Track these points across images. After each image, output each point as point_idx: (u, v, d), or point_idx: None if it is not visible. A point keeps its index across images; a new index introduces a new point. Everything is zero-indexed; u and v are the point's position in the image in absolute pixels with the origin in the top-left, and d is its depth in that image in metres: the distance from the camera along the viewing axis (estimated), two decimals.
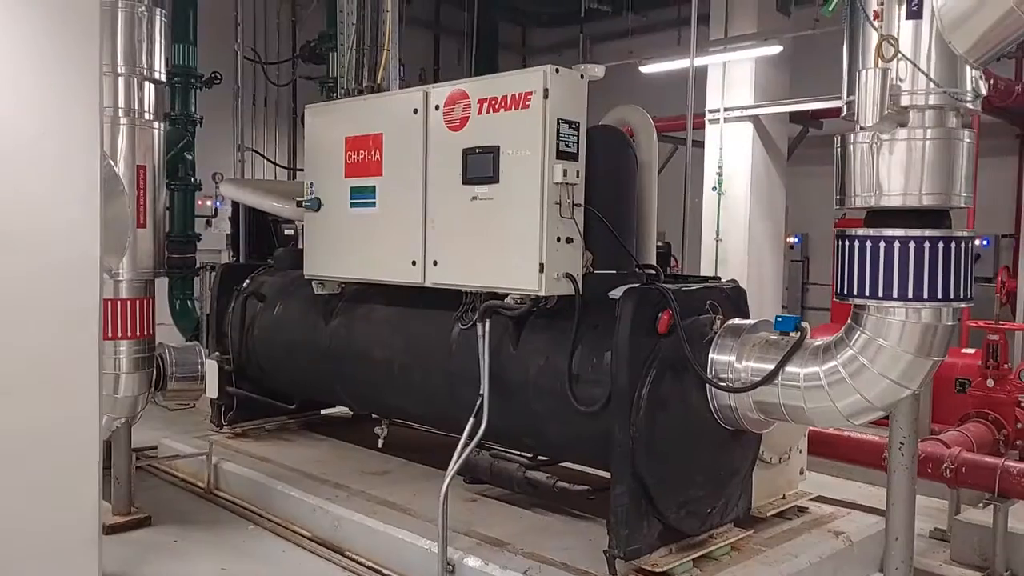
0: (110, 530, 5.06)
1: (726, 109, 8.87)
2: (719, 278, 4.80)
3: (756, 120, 9.10)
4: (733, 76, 9.11)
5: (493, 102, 4.33)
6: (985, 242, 10.89)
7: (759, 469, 4.66)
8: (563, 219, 4.19)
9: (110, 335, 4.89)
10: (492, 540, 4.48)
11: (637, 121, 5.03)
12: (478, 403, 4.35)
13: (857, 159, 3.48)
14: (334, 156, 5.16)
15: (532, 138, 4.14)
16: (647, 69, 9.58)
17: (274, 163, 11.09)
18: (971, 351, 6.72)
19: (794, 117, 9.94)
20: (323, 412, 7.04)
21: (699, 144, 9.37)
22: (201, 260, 9.24)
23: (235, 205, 8.04)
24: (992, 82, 8.18)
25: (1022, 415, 5.94)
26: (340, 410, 7.06)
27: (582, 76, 4.34)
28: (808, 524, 4.81)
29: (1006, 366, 6.01)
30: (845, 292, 3.58)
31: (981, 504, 5.24)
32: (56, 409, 4.02)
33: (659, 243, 11.48)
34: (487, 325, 4.38)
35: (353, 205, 5.09)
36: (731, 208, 9.05)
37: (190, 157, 8.77)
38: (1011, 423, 5.77)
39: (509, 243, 4.27)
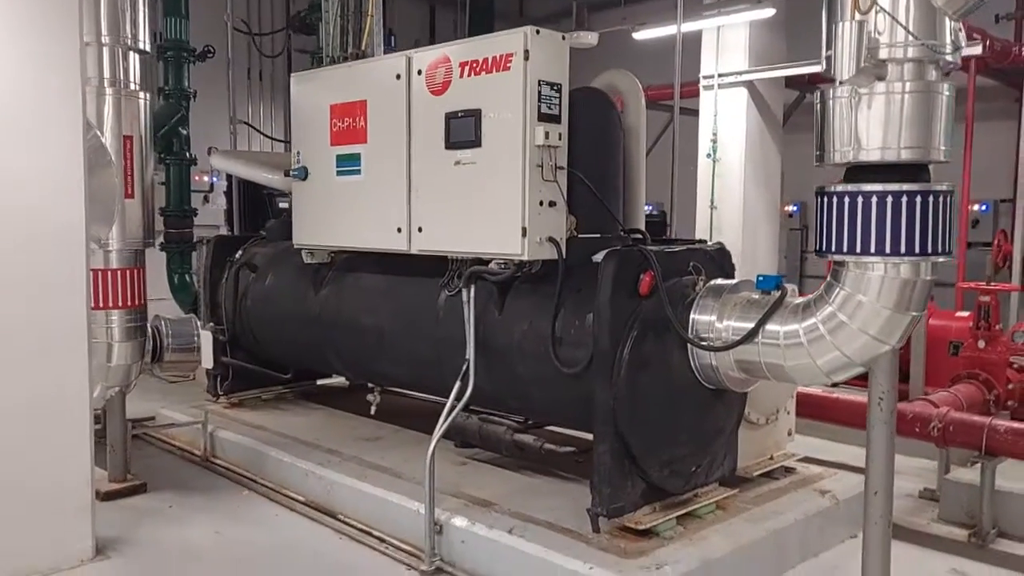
0: (106, 496, 5.15)
1: (720, 75, 8.80)
2: (705, 241, 4.80)
3: (751, 86, 9.02)
4: (727, 41, 9.02)
5: (475, 65, 4.32)
6: (984, 207, 10.83)
7: (746, 430, 4.70)
8: (545, 182, 4.19)
9: (101, 305, 4.94)
10: (479, 501, 4.53)
11: (626, 86, 5.00)
12: (463, 368, 4.38)
13: (836, 114, 3.45)
14: (320, 124, 5.16)
15: (513, 100, 4.14)
16: (640, 36, 9.49)
17: (269, 136, 11.08)
18: (965, 314, 6.71)
19: (790, 82, 9.85)
20: (320, 382, 7.10)
21: (694, 112, 9.31)
22: (199, 235, 9.26)
23: (230, 179, 8.07)
24: (988, 43, 8.10)
25: (1014, 376, 5.94)
26: (337, 380, 7.13)
27: (563, 37, 4.32)
28: (795, 484, 4.86)
29: (997, 327, 6.00)
30: (824, 248, 3.57)
31: (969, 463, 5.27)
32: (47, 377, 4.10)
33: (655, 210, 11.50)
34: (472, 291, 4.40)
35: (339, 173, 5.10)
36: (726, 175, 9.00)
37: (185, 132, 8.74)
38: (1002, 383, 5.77)
39: (492, 208, 4.28)
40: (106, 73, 5.01)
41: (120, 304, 5.05)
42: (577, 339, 4.14)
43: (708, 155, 8.94)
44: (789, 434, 5.16)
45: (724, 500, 4.46)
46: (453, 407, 4.38)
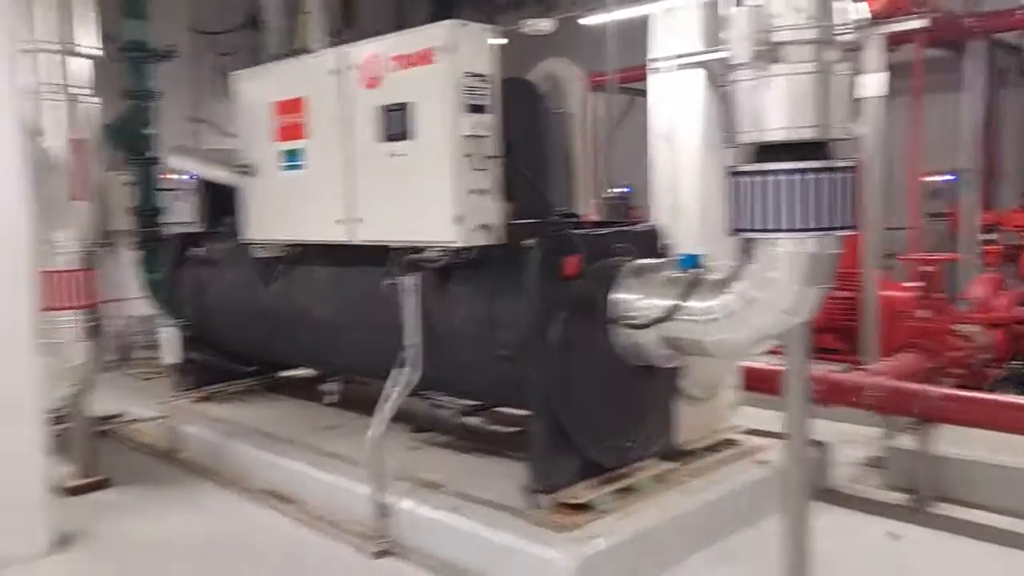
0: (71, 492, 5.29)
1: (672, 56, 8.83)
2: (635, 223, 4.93)
3: (707, 67, 9.04)
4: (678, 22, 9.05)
5: (403, 59, 4.43)
6: (953, 177, 10.92)
7: (687, 405, 4.83)
8: (476, 171, 4.30)
9: (54, 305, 5.05)
10: (428, 483, 4.67)
11: (565, 73, 5.12)
12: (402, 355, 4.51)
13: (740, 96, 3.57)
14: (263, 121, 5.27)
15: (439, 93, 4.24)
16: (587, 21, 9.59)
17: (229, 134, 11.11)
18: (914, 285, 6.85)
19: None
20: (286, 374, 7.21)
21: (641, 93, 9.37)
22: (172, 233, 9.36)
23: (200, 177, 8.16)
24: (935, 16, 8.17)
25: (959, 343, 6.08)
26: (304, 371, 7.25)
27: (516, 26, 4.41)
28: (735, 456, 5.00)
29: (940, 296, 6.13)
30: (736, 227, 3.69)
31: (907, 431, 5.41)
32: None
33: (616, 195, 11.55)
34: (409, 279, 4.52)
35: (284, 168, 5.21)
36: (682, 158, 9.02)
37: (150, 132, 8.84)
38: (945, 352, 5.91)
39: (426, 198, 4.40)
40: (51, 78, 5.10)
41: (73, 304, 5.17)
42: (511, 322, 4.26)
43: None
44: (732, 408, 5.29)
45: (663, 474, 4.60)
46: (394, 393, 4.51)
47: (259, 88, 5.39)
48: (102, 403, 5.82)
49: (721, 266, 4.10)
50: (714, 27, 9.81)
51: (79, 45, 5.21)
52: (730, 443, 5.15)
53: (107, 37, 5.62)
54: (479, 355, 4.45)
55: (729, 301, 3.78)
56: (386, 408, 4.52)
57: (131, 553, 4.60)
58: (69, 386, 5.35)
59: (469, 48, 4.26)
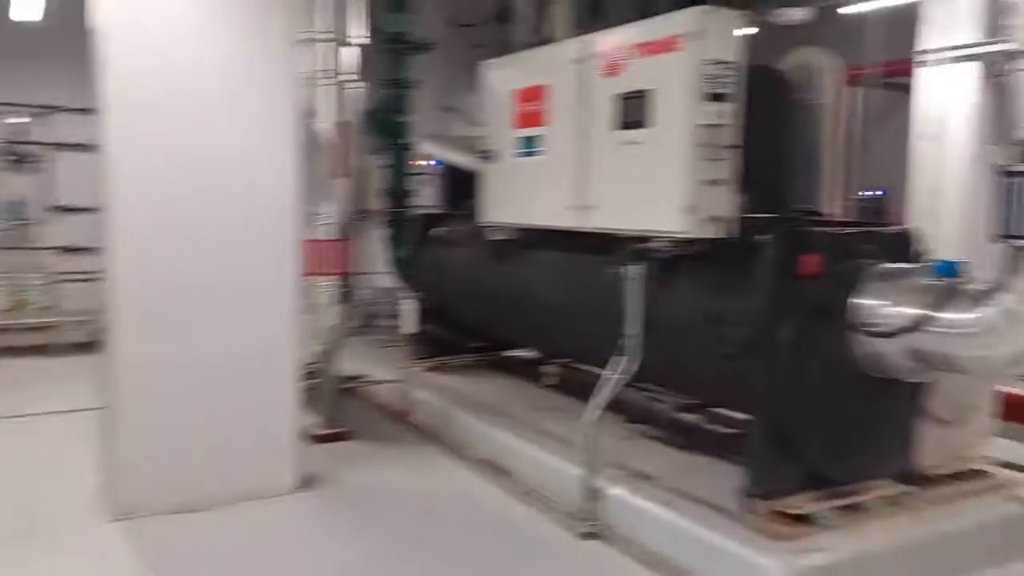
0: (316, 440, 5.83)
1: (945, 48, 8.01)
2: (887, 225, 4.56)
3: (983, 59, 8.13)
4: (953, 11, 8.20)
5: (646, 47, 4.41)
6: None
7: (932, 426, 4.42)
8: (711, 161, 4.21)
9: (312, 271, 5.59)
10: (640, 474, 4.66)
11: (819, 64, 4.88)
12: (623, 344, 4.52)
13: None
14: (506, 109, 5.48)
15: (681, 80, 4.19)
16: (847, 10, 8.93)
17: (475, 122, 11.64)
18: None
19: None
20: (511, 353, 7.50)
21: (904, 88, 8.59)
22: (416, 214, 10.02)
23: (444, 163, 8.69)
24: None
25: None
26: (527, 352, 7.50)
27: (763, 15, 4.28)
28: (984, 488, 4.50)
29: None
30: (1004, 233, 3.32)
31: None
32: (261, 332, 4.75)
33: (871, 193, 10.72)
34: (635, 268, 4.51)
35: (522, 155, 5.40)
36: (949, 159, 8.19)
37: (405, 119, 9.49)
38: None
39: (658, 187, 4.37)
40: (324, 65, 5.64)
41: (329, 272, 5.69)
42: (739, 319, 4.12)
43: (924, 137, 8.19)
44: (984, 435, 4.76)
45: (897, 497, 4.25)
46: (611, 381, 4.53)
47: (504, 77, 5.61)
48: (347, 364, 6.37)
49: (983, 276, 3.71)
50: (994, 15, 8.87)
51: (350, 36, 5.72)
52: (979, 474, 4.64)
53: (373, 30, 6.13)
54: (701, 351, 4.34)
55: (990, 315, 3.41)
56: (603, 394, 4.56)
57: (363, 498, 5.02)
58: (321, 345, 5.90)
59: (716, 35, 4.16)
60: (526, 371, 7.12)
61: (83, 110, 9.53)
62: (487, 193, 5.84)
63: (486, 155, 5.72)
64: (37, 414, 6.58)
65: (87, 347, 8.66)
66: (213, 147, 4.50)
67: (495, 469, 5.36)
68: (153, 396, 4.52)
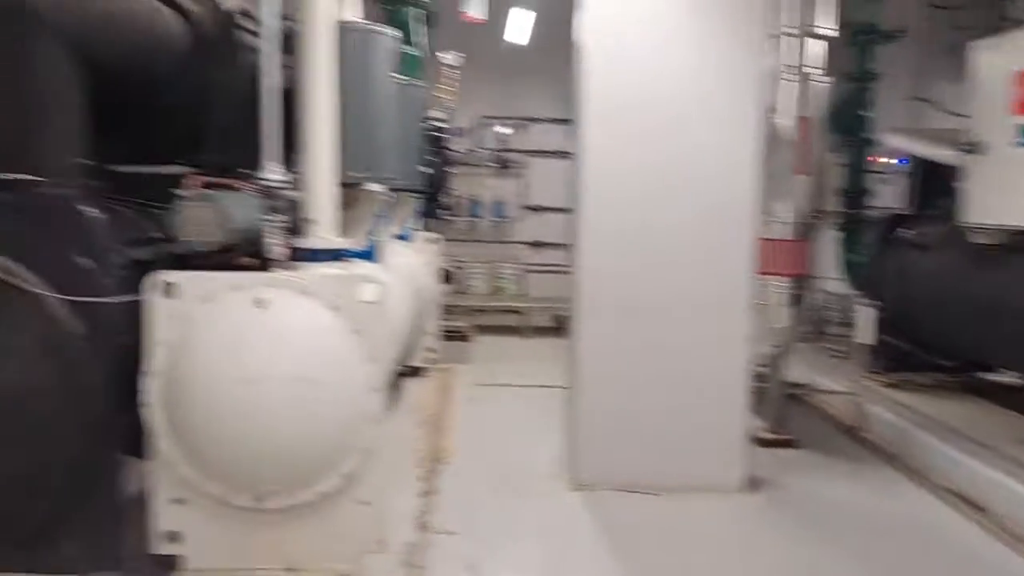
0: (761, 443, 5.73)
1: None
2: None
3: None
4: None
5: None
6: None
7: None
8: None
9: (766, 271, 5.49)
10: None
11: None
12: None
13: None
14: (1000, 94, 4.79)
15: None
16: None
17: (952, 112, 10.28)
18: None
19: None
20: (986, 375, 6.57)
21: None
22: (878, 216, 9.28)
23: (914, 159, 7.92)
24: None
25: None
26: (1008, 376, 6.50)
27: None
28: None
29: None
30: None
31: None
32: (713, 329, 4.82)
33: None
34: None
35: (1021, 145, 4.67)
36: None
37: (868, 114, 8.84)
38: None
39: None
40: (788, 60, 5.51)
41: (783, 272, 5.54)
42: None
43: None
44: None
45: None
46: None
47: (999, 59, 4.91)
48: (795, 370, 6.13)
49: None
50: None
51: (818, 27, 5.49)
52: None
53: (841, 21, 5.79)
54: None
55: None
56: None
57: (811, 507, 4.82)
58: (770, 347, 5.78)
59: None
60: (1006, 398, 6.18)
61: (556, 120, 10.81)
62: (971, 190, 5.17)
63: (971, 147, 5.06)
64: (513, 385, 7.51)
65: (550, 331, 9.69)
66: (681, 148, 4.68)
67: (962, 499, 4.74)
68: (612, 379, 4.85)
